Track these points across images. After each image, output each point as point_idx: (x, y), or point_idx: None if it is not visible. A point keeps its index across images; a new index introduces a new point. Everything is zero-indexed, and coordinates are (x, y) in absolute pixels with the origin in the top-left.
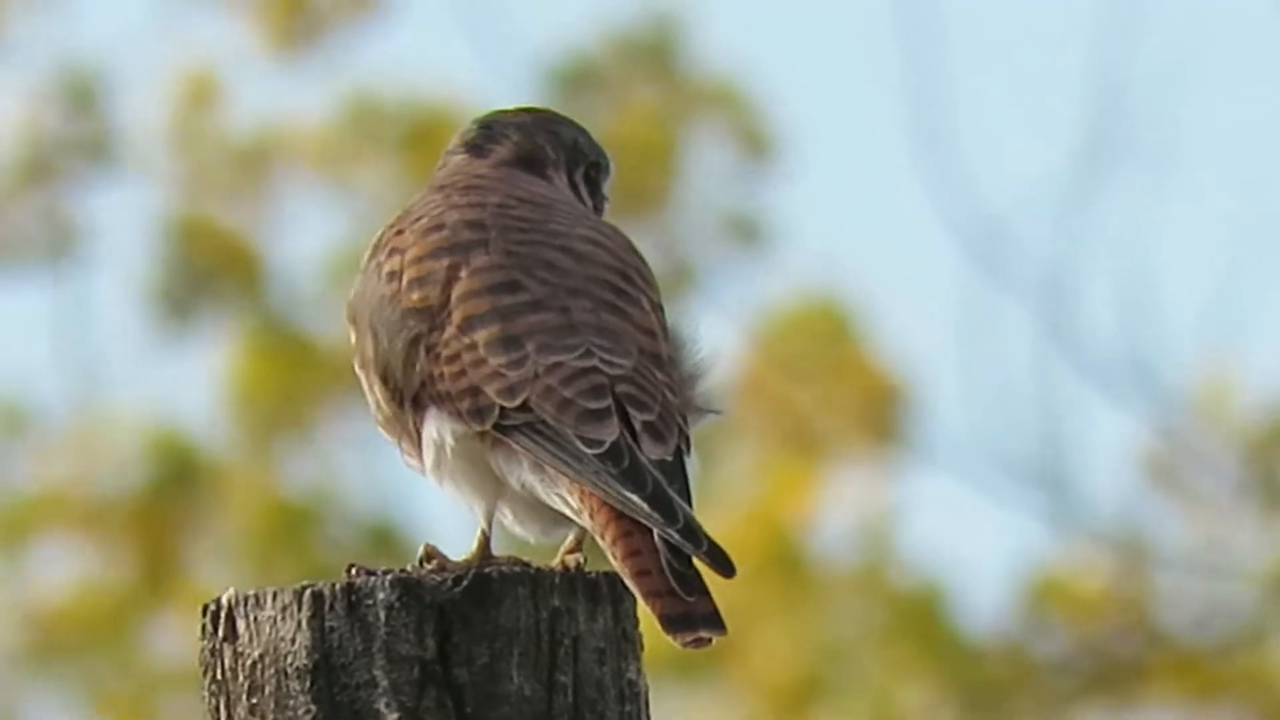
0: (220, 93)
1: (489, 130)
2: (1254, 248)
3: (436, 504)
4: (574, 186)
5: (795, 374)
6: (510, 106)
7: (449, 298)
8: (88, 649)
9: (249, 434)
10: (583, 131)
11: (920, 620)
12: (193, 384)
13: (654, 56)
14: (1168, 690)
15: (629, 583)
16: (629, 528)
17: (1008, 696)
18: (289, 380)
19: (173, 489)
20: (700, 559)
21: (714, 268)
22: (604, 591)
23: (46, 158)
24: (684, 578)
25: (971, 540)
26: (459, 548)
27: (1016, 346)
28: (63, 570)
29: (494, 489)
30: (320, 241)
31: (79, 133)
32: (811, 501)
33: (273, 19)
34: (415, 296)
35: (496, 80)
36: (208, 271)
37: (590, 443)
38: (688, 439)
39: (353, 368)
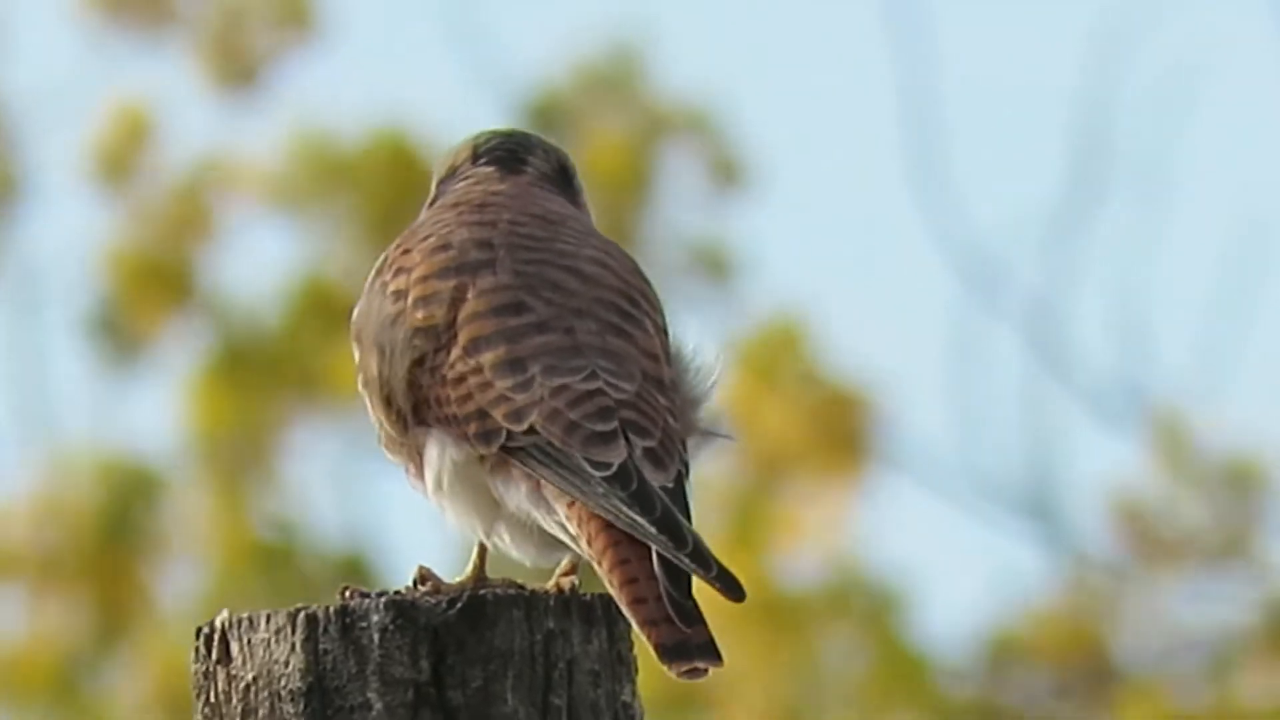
0: (159, 125)
1: (518, 146)
2: (1244, 274)
3: (409, 532)
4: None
5: (768, 403)
6: (494, 128)
7: (455, 318)
8: (48, 690)
9: (205, 466)
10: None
11: (895, 648)
12: (145, 417)
13: (620, 86)
14: None
15: (625, 610)
16: (626, 555)
17: None
18: (243, 411)
19: (130, 525)
20: (710, 583)
21: (686, 298)
22: (599, 614)
23: None
24: (681, 607)
25: (953, 566)
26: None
27: (1006, 372)
28: (19, 613)
29: (491, 512)
30: (270, 271)
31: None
32: (789, 533)
33: (211, 53)
34: (420, 316)
35: (457, 110)
36: (153, 305)
37: (598, 465)
38: (687, 464)
39: (356, 386)
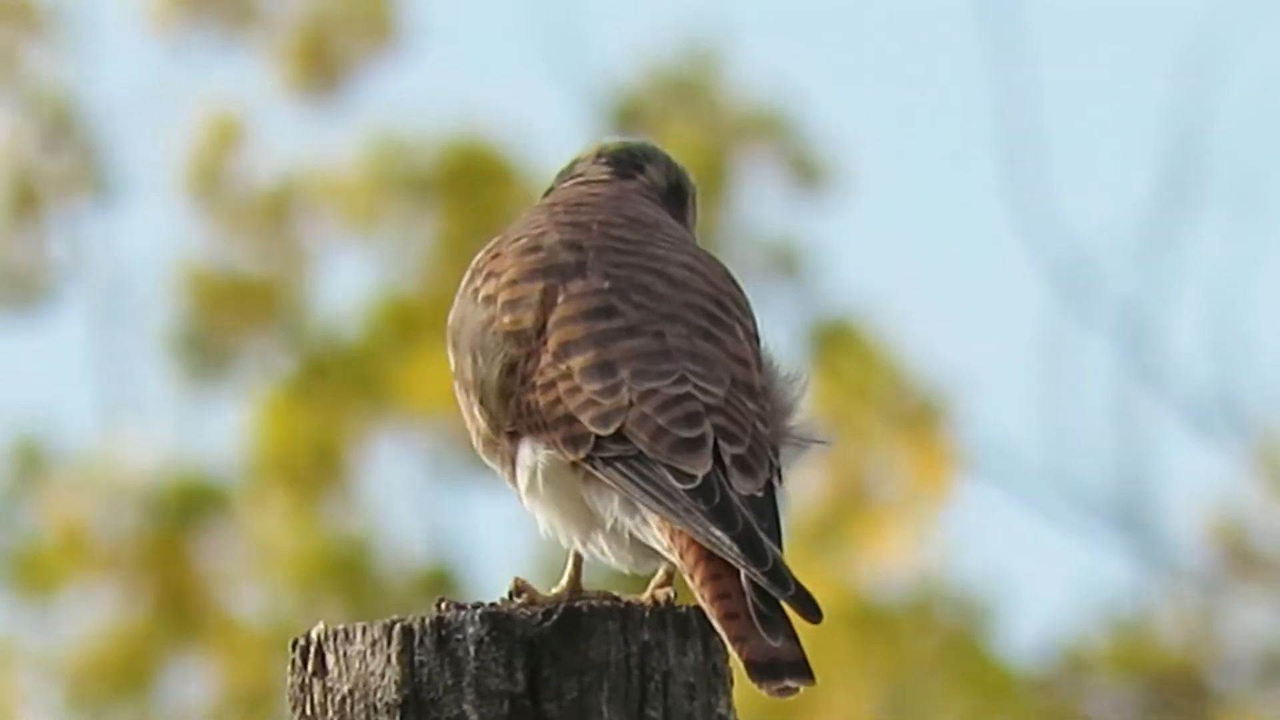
0: (244, 135)
1: (639, 154)
2: None
3: (490, 547)
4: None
5: (849, 405)
6: (620, 138)
7: (544, 322)
8: (119, 696)
9: (284, 481)
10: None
11: (981, 661)
12: (223, 429)
13: (696, 88)
14: None
15: (716, 625)
16: (718, 569)
17: None
18: (323, 426)
19: (198, 535)
20: (787, 603)
21: (765, 301)
22: (694, 626)
23: (44, 194)
24: (770, 621)
25: (1042, 578)
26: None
27: (1099, 381)
28: (90, 618)
29: (586, 522)
30: (352, 283)
31: (83, 171)
32: (873, 543)
33: (294, 60)
34: (509, 320)
35: (537, 117)
36: (236, 317)
37: (682, 476)
38: (779, 471)
39: (436, 400)
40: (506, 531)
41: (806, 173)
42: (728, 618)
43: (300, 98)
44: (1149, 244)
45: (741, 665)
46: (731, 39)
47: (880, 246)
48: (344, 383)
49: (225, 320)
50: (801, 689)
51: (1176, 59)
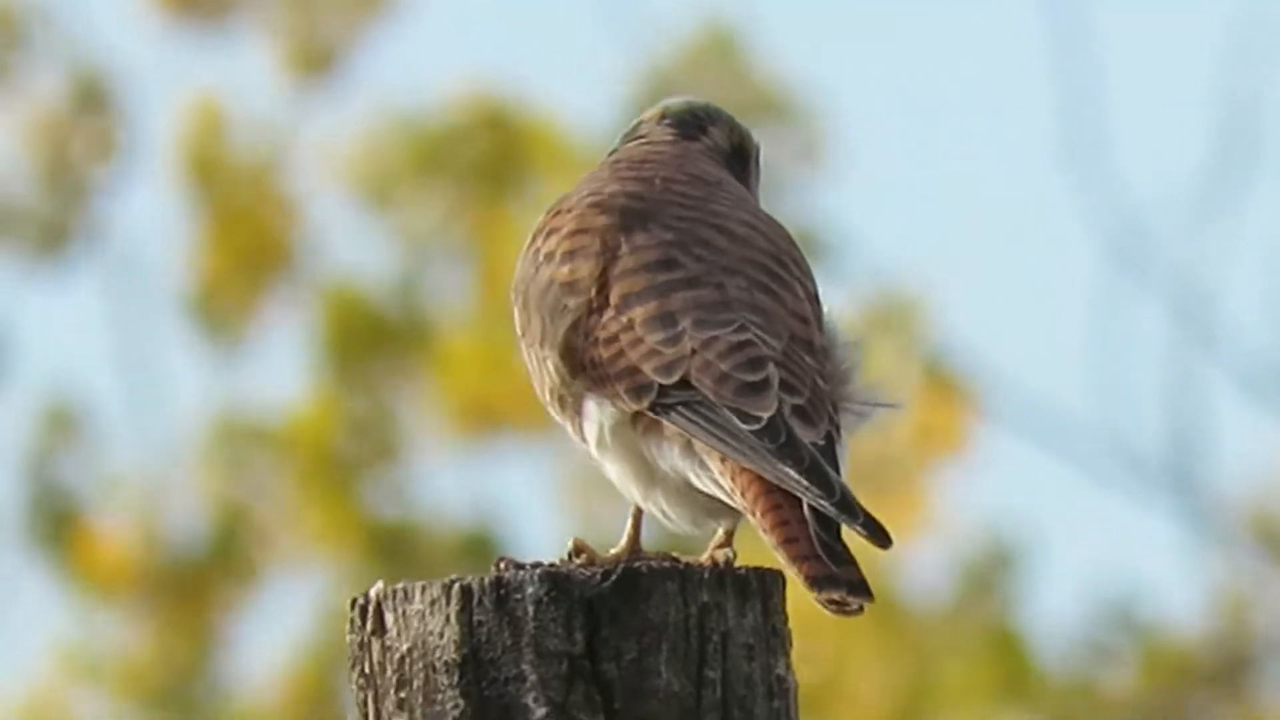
0: (242, 116)
1: (703, 114)
2: None
3: (530, 514)
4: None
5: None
6: (683, 99)
7: (604, 274)
8: (168, 696)
9: (316, 451)
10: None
11: (1009, 645)
12: (248, 400)
13: (723, 65)
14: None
15: (777, 552)
16: (779, 501)
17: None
18: (350, 394)
19: (242, 514)
20: (856, 531)
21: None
22: (753, 587)
23: (66, 162)
24: (832, 548)
25: (1082, 548)
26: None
27: (1153, 346)
28: (138, 618)
29: (646, 478)
30: (369, 253)
31: (101, 139)
32: (906, 518)
33: (287, 38)
34: (569, 272)
35: (548, 94)
36: (251, 290)
37: (747, 418)
38: (839, 426)
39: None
40: (544, 499)
41: (833, 152)
42: (787, 541)
43: (295, 76)
44: (1204, 209)
45: (801, 581)
46: (768, 7)
47: (930, 216)
48: (368, 351)
49: (239, 293)
50: (863, 607)
51: (1232, 22)
